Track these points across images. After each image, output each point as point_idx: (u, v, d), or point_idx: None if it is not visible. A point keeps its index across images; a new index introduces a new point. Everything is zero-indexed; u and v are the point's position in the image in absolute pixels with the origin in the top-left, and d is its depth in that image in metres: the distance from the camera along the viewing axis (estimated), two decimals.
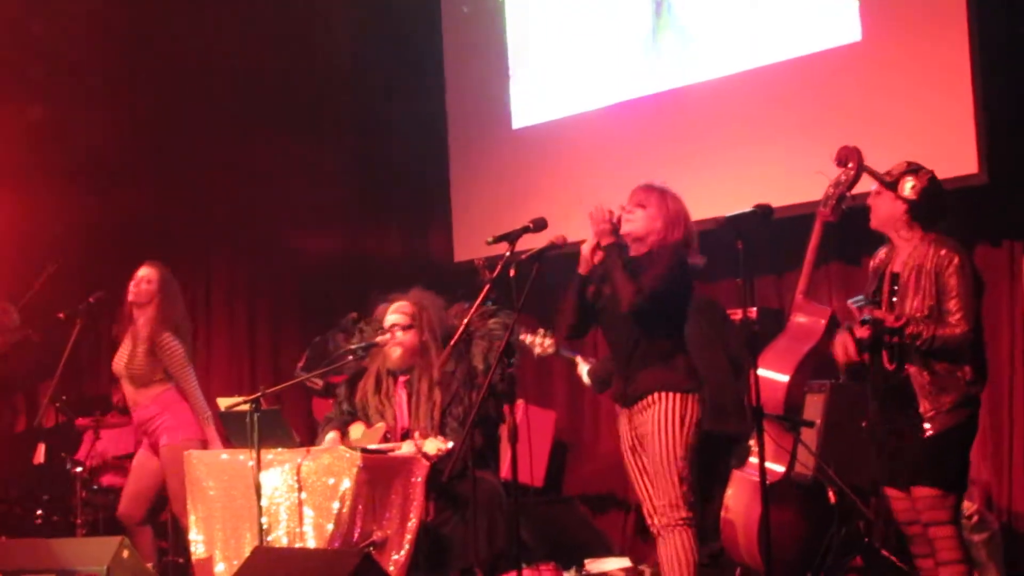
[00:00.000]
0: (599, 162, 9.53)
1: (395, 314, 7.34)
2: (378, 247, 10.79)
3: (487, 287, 6.21)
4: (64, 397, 9.38)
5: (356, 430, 7.28)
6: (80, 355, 8.20)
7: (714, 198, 7.79)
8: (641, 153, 9.18)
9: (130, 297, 8.22)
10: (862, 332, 5.75)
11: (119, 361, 8.23)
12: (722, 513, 7.21)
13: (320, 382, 9.12)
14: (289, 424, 7.05)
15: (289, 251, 10.77)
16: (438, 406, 7.04)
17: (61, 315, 8.28)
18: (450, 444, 6.69)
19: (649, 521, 5.94)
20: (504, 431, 7.20)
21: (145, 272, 8.24)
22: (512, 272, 5.90)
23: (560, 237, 6.10)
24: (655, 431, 5.81)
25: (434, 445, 6.72)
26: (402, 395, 7.23)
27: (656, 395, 5.85)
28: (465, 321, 6.41)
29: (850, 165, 6.27)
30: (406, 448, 6.80)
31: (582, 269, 6.02)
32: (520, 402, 9.11)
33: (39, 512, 9.25)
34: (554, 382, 10.37)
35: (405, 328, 7.28)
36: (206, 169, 11.05)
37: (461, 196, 10.80)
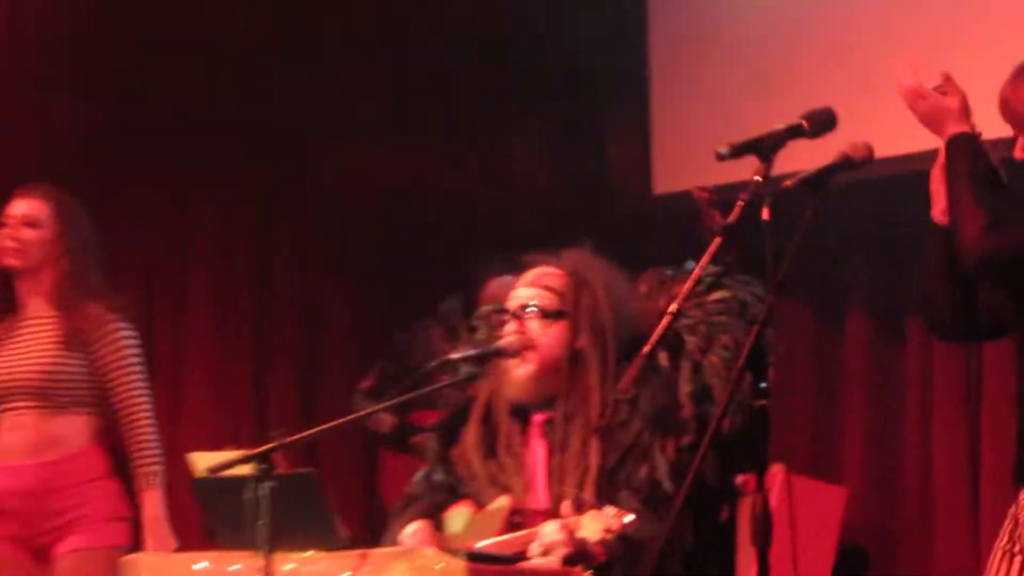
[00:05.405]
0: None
1: (529, 288, 4.88)
2: (504, 178, 7.77)
3: (717, 240, 4.27)
4: None
5: (457, 517, 5.09)
6: None
7: None
8: None
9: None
10: None
11: None
12: None
13: (389, 419, 6.54)
14: (331, 502, 4.77)
15: (333, 189, 7.55)
16: (594, 470, 4.76)
17: None
18: (629, 519, 4.58)
19: None
20: (744, 517, 4.76)
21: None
22: (766, 212, 4.07)
23: (860, 147, 4.19)
24: None
25: (597, 525, 4.57)
26: (539, 449, 4.92)
27: None
28: (672, 308, 4.23)
29: None
30: (548, 535, 4.60)
31: (935, 212, 4.36)
32: (777, 467, 7.22)
33: None
34: (845, 429, 7.83)
35: (547, 317, 4.80)
36: None
37: (665, 85, 8.31)
